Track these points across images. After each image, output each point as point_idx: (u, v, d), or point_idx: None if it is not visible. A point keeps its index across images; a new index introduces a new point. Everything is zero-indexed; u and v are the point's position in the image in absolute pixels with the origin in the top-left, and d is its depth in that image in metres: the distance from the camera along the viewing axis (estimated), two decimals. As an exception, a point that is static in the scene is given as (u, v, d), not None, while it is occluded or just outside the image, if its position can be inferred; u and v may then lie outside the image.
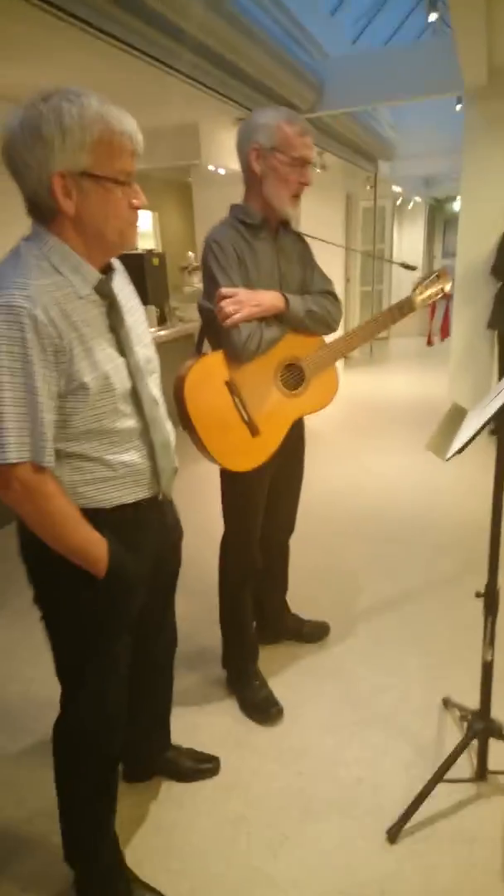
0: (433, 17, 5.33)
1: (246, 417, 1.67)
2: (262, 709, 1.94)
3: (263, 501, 1.89)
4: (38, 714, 1.97)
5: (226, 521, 1.92)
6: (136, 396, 1.16)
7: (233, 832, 1.57)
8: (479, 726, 1.58)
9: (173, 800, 1.66)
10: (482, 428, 1.31)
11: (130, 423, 1.16)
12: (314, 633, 2.31)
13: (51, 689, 2.00)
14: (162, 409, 1.26)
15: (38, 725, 1.92)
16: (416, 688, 2.05)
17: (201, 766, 1.73)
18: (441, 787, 1.57)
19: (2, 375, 0.98)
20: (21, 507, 1.07)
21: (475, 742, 1.61)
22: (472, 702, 1.66)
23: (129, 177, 1.06)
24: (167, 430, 1.26)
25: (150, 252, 4.80)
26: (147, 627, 1.43)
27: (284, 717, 1.93)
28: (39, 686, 2.11)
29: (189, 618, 2.35)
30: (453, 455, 1.34)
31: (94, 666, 1.27)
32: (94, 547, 1.13)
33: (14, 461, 1.01)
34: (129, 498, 1.20)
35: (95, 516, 1.15)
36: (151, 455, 1.21)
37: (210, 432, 1.63)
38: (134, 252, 4.94)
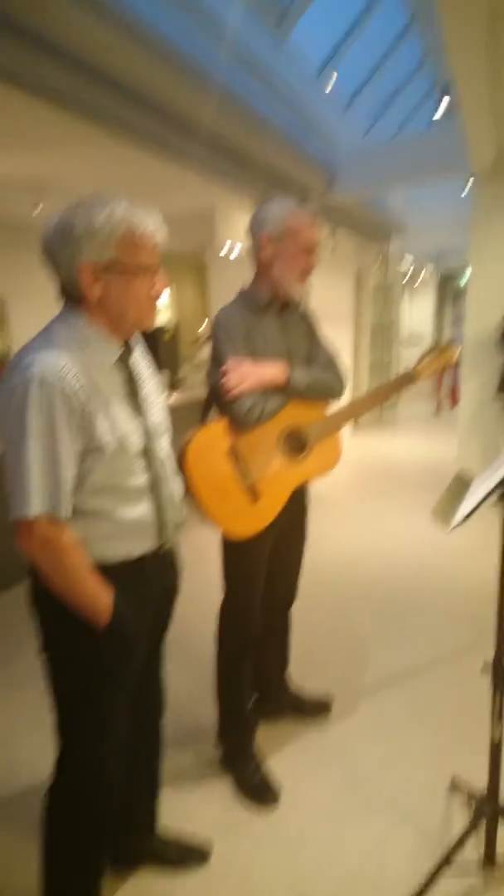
0: (443, 106, 5.68)
1: (247, 484, 1.70)
2: (258, 791, 1.85)
3: (264, 568, 1.88)
4: (20, 801, 1.86)
5: (225, 588, 1.91)
6: (147, 455, 1.26)
7: (224, 925, 1.47)
8: (487, 810, 1.50)
9: (161, 890, 1.56)
10: (486, 498, 1.32)
11: (141, 479, 1.25)
12: (316, 708, 2.22)
13: (35, 774, 1.93)
14: (170, 466, 1.35)
15: (19, 813, 1.81)
16: (423, 768, 1.95)
17: (191, 855, 1.63)
18: (446, 875, 1.47)
19: (31, 439, 1.09)
20: (38, 558, 1.15)
21: (483, 827, 1.52)
22: (482, 783, 1.58)
23: (150, 268, 1.19)
24: (174, 485, 1.35)
25: (163, 326, 5.03)
26: (138, 685, 1.41)
27: (282, 799, 1.84)
28: (23, 770, 2.00)
29: (184, 691, 2.30)
30: (458, 525, 1.35)
31: (91, 722, 1.27)
32: (100, 599, 1.19)
33: (36, 515, 1.10)
34: (135, 551, 1.26)
35: (103, 570, 1.21)
36: (158, 509, 1.29)
37: (211, 498, 1.66)
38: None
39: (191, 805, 1.83)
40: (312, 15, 4.62)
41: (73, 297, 1.19)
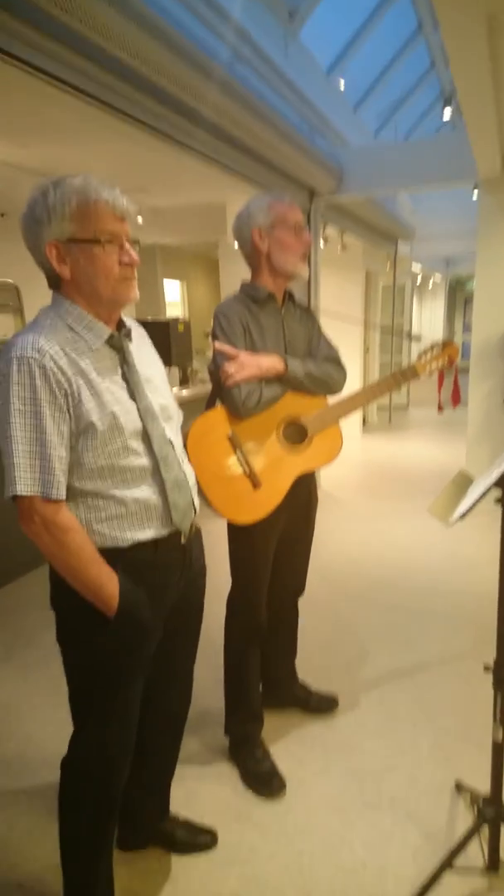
0: (447, 114, 5.72)
1: (247, 470, 1.73)
2: (265, 781, 1.87)
3: (270, 558, 1.89)
4: (34, 775, 1.93)
5: (233, 578, 1.93)
6: (146, 437, 1.24)
7: (227, 915, 1.48)
8: (490, 812, 1.50)
9: (166, 873, 1.58)
10: (483, 494, 1.32)
11: (142, 461, 1.23)
12: (322, 705, 2.23)
13: (49, 748, 2.02)
14: (177, 450, 1.32)
15: (33, 786, 1.89)
16: (428, 768, 1.95)
17: (198, 839, 1.66)
18: (449, 878, 1.48)
19: (14, 417, 1.10)
20: (40, 539, 1.15)
21: (487, 829, 1.52)
22: (486, 785, 1.58)
23: (113, 236, 1.16)
24: (182, 469, 1.32)
25: (175, 319, 5.04)
26: (161, 676, 1.42)
27: (288, 791, 1.85)
28: (37, 744, 2.07)
29: (202, 678, 2.30)
30: (456, 521, 1.35)
31: (101, 706, 1.29)
32: (108, 584, 1.18)
33: (25, 493, 1.10)
34: (143, 535, 1.24)
35: (113, 556, 1.20)
36: (163, 491, 1.26)
37: (211, 484, 1.69)
38: (161, 319, 5.20)
39: (198, 791, 1.85)
40: (323, 15, 4.65)
41: (53, 281, 1.20)
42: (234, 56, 3.28)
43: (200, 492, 1.66)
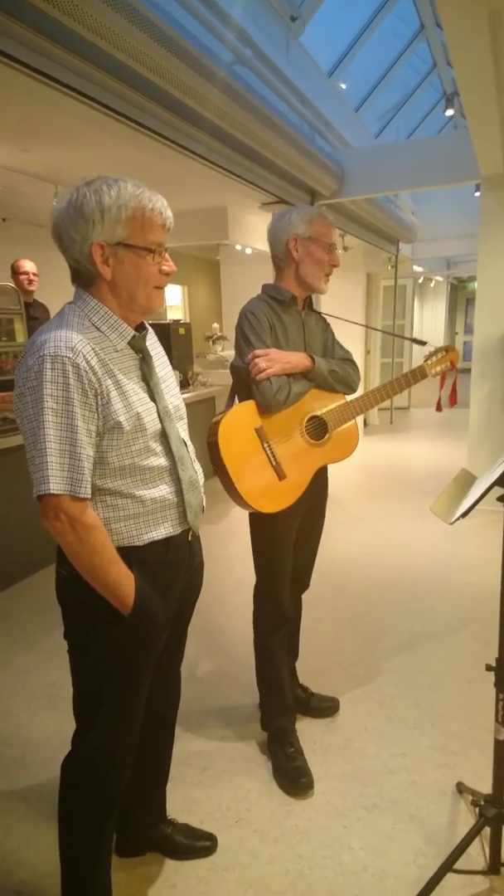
0: (450, 112, 5.73)
1: (274, 462, 1.78)
2: (292, 777, 1.89)
3: (291, 549, 1.95)
4: (32, 780, 1.93)
5: (257, 571, 1.98)
6: (164, 437, 1.26)
7: (227, 919, 1.47)
8: (491, 813, 1.49)
9: (166, 879, 1.58)
10: (486, 492, 1.32)
11: (160, 461, 1.25)
12: (322, 707, 2.23)
13: (47, 753, 2.01)
14: (190, 450, 1.35)
15: (32, 791, 1.88)
16: (429, 770, 1.94)
17: (197, 844, 1.65)
18: (451, 880, 1.46)
19: (47, 415, 1.09)
20: (64, 538, 1.15)
21: (488, 831, 1.51)
22: (488, 787, 1.57)
23: (160, 247, 1.20)
24: (195, 468, 1.35)
25: (176, 322, 5.03)
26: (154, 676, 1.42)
27: (287, 795, 1.84)
28: (36, 749, 2.07)
29: (201, 681, 2.30)
30: (458, 519, 1.35)
31: (109, 705, 1.29)
32: (125, 583, 1.19)
33: (56, 492, 1.10)
34: (159, 533, 1.26)
35: (129, 554, 1.22)
36: (179, 491, 1.28)
37: (240, 474, 1.73)
38: (161, 322, 5.20)
39: (197, 795, 1.85)
40: (324, 17, 4.65)
41: (84, 279, 1.20)
42: (236, 59, 3.29)
43: (227, 479, 1.72)
